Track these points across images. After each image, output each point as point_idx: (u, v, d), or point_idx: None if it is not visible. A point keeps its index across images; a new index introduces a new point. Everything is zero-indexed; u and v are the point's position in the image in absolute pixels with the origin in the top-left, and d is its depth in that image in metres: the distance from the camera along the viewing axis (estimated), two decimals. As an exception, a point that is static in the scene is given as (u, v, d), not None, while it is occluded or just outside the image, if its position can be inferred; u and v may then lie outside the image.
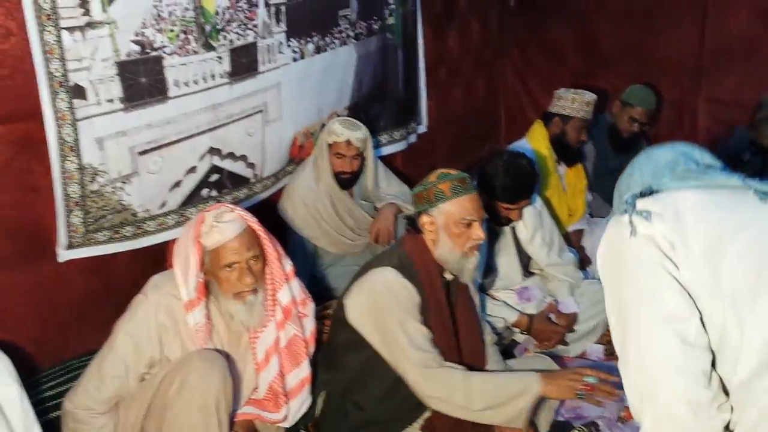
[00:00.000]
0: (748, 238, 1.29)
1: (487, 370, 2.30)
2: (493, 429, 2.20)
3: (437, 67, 4.16)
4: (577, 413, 2.49)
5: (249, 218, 2.03)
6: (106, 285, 2.67)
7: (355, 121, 3.14)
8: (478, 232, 2.17)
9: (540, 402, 2.15)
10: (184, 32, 2.61)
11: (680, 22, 4.01)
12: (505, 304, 2.87)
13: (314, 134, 3.29)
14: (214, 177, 2.91)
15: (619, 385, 1.47)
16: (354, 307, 2.16)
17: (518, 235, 2.95)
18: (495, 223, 2.78)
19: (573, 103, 3.33)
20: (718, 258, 1.29)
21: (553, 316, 2.92)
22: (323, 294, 2.92)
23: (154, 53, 2.53)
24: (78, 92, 2.36)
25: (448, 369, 2.10)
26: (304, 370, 2.21)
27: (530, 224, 2.92)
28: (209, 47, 2.71)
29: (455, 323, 2.25)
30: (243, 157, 3.00)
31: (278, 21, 2.98)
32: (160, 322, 2.00)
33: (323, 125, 3.23)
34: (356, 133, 3.05)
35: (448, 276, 2.25)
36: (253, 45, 2.89)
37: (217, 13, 2.70)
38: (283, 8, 2.99)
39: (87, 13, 2.31)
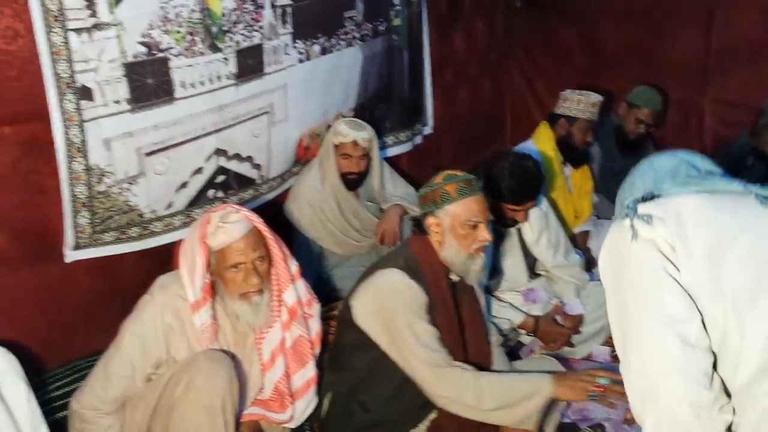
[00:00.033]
0: (749, 242, 1.30)
1: (495, 371, 2.29)
2: (499, 430, 2.20)
3: (443, 68, 4.16)
4: (583, 415, 2.49)
5: (255, 219, 2.03)
6: (112, 285, 2.67)
7: (360, 121, 3.14)
8: (484, 234, 2.17)
9: (550, 404, 2.15)
10: (191, 34, 2.62)
11: (686, 23, 4.00)
12: (511, 306, 2.87)
13: (320, 135, 3.30)
14: (221, 178, 2.92)
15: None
16: (361, 308, 2.16)
17: (524, 237, 2.95)
18: (501, 225, 2.78)
19: (579, 104, 3.32)
20: (719, 261, 1.29)
21: (559, 318, 2.92)
22: (329, 295, 2.92)
23: (160, 54, 2.53)
24: (85, 93, 2.36)
25: (457, 368, 2.10)
26: (310, 371, 2.21)
27: (536, 226, 2.92)
28: (215, 49, 2.71)
29: (461, 324, 2.25)
30: (249, 158, 3.01)
31: (284, 22, 2.99)
32: (167, 323, 2.01)
33: (329, 126, 3.24)
34: (362, 134, 3.05)
35: (454, 277, 2.25)
36: (259, 46, 2.89)
37: (223, 15, 2.71)
38: (289, 10, 2.99)
39: (94, 14, 2.32)
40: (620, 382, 2.00)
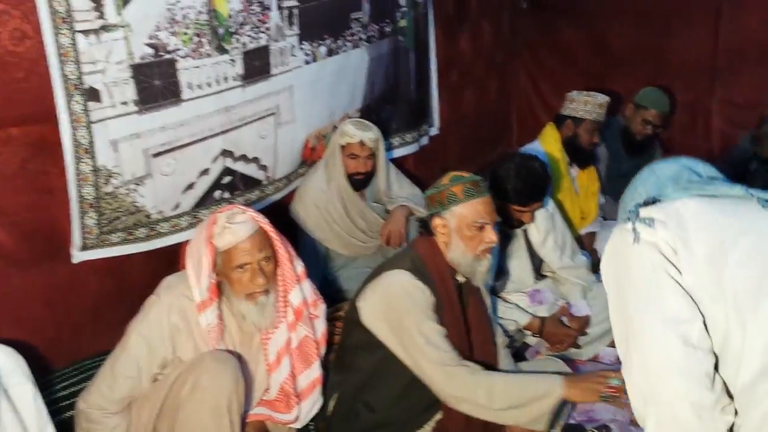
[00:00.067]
0: (750, 245, 1.31)
1: (501, 371, 2.29)
2: (504, 431, 2.19)
3: (449, 69, 4.16)
4: (589, 416, 2.48)
5: (261, 219, 2.04)
6: (119, 286, 2.69)
7: (366, 122, 3.15)
8: (491, 235, 2.17)
9: (561, 405, 2.13)
10: (198, 35, 2.63)
11: (694, 24, 3.98)
12: (517, 307, 2.86)
13: (326, 136, 3.30)
14: (227, 179, 2.92)
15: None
16: (368, 309, 2.16)
17: (530, 238, 2.94)
18: (507, 226, 2.77)
19: (585, 105, 3.31)
20: (721, 263, 1.31)
21: (565, 319, 2.91)
22: (334, 296, 2.93)
23: (167, 56, 2.54)
24: (92, 95, 2.37)
25: (468, 367, 2.09)
26: (315, 371, 2.21)
27: (542, 227, 2.91)
28: (222, 50, 2.72)
29: (467, 326, 2.24)
30: (255, 159, 3.01)
31: (291, 24, 3.00)
32: (173, 323, 2.01)
33: (335, 128, 3.24)
34: (369, 134, 3.06)
35: (461, 278, 2.25)
36: (266, 48, 2.90)
37: (230, 17, 2.72)
38: (295, 11, 3.00)
39: (101, 16, 2.33)
40: None
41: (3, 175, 2.31)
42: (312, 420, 2.26)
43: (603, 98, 3.32)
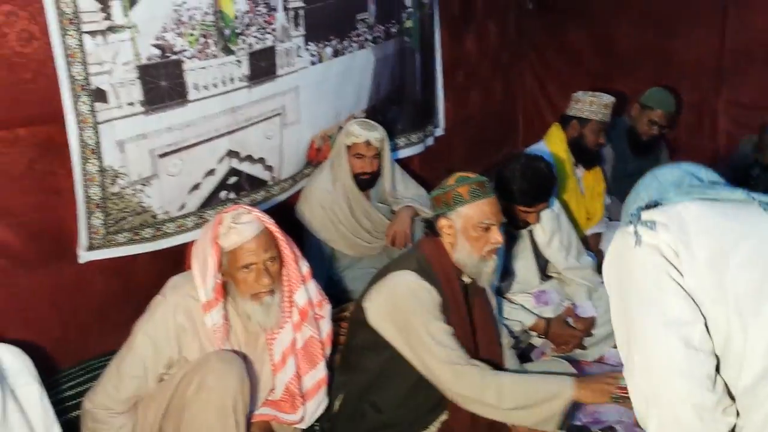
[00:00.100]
0: (751, 248, 1.32)
1: (510, 371, 2.29)
2: (508, 431, 2.19)
3: (455, 70, 4.16)
4: (595, 417, 2.48)
5: (266, 220, 2.04)
6: (126, 286, 2.69)
7: (371, 122, 3.15)
8: (497, 236, 2.17)
9: (572, 407, 2.13)
10: (204, 36, 2.63)
11: (700, 24, 3.97)
12: (523, 308, 2.86)
13: (332, 137, 3.31)
14: (233, 179, 2.93)
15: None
16: (375, 309, 2.16)
17: (536, 239, 2.94)
18: (513, 227, 2.77)
19: (591, 105, 3.31)
20: (722, 266, 1.31)
21: (570, 320, 2.91)
22: (340, 296, 2.93)
23: (174, 57, 2.55)
24: (99, 95, 2.38)
25: (476, 367, 2.08)
26: (321, 372, 2.22)
27: (548, 228, 2.91)
28: (228, 51, 2.73)
29: (473, 326, 2.24)
30: (261, 160, 3.02)
31: (297, 25, 3.00)
32: (179, 323, 2.02)
33: (340, 128, 3.25)
34: (374, 134, 3.06)
35: (466, 279, 2.24)
36: (272, 49, 2.91)
37: (236, 18, 2.73)
38: (301, 12, 3.00)
39: (108, 17, 2.34)
40: None
41: (10, 175, 2.32)
42: (317, 420, 2.26)
43: (608, 99, 3.31)
